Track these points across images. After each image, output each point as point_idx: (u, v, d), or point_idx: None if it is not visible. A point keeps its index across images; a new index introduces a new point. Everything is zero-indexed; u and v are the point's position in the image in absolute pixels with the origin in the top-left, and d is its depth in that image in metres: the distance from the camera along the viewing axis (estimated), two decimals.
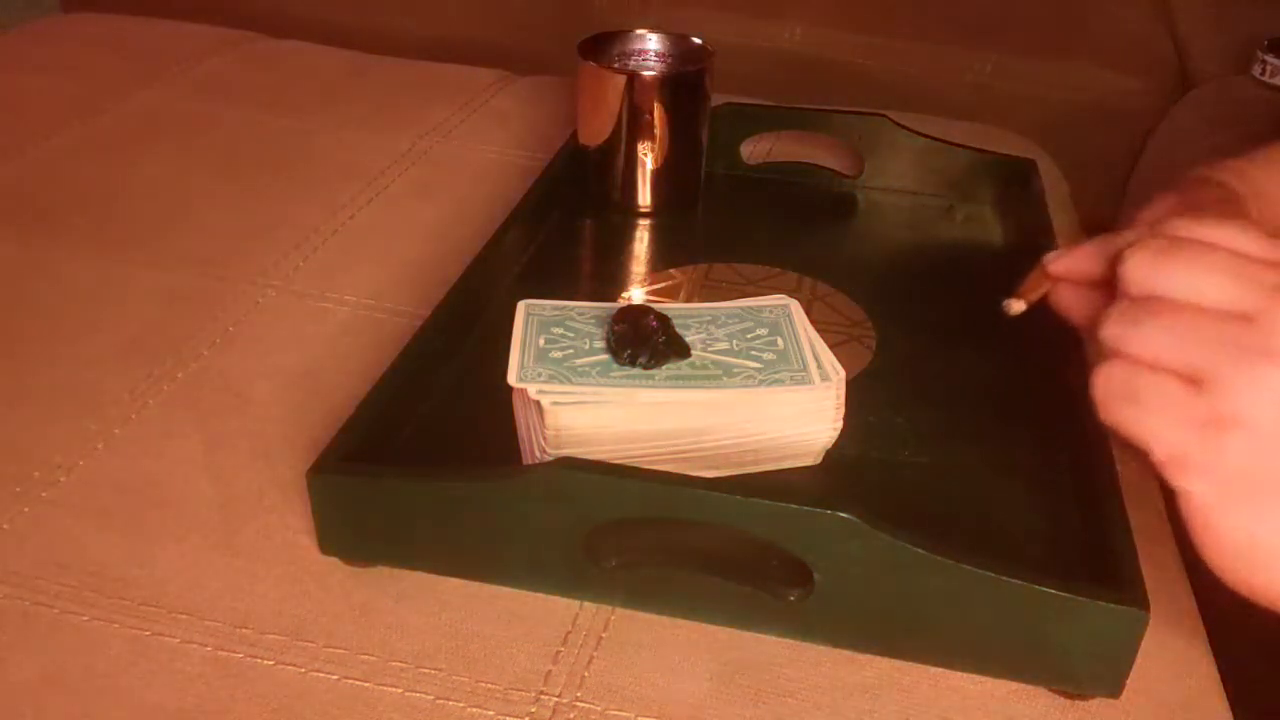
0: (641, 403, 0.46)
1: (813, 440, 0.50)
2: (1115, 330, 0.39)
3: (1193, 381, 0.37)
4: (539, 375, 0.46)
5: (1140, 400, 0.38)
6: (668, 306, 0.52)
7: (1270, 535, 0.37)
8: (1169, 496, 0.54)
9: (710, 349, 0.50)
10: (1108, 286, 0.41)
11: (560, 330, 0.50)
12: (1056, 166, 0.84)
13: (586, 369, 0.47)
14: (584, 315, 0.51)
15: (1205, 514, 0.38)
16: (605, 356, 0.48)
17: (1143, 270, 0.39)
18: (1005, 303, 0.47)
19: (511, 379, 0.47)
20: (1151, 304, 0.38)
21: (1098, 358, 0.39)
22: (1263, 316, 0.36)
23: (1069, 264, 0.45)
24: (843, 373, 0.48)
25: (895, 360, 0.56)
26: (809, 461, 0.50)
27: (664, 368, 0.48)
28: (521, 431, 0.49)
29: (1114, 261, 0.40)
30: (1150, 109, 1.24)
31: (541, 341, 0.49)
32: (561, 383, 0.46)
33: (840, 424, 0.49)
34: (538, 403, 0.46)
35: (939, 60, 1.28)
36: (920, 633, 0.43)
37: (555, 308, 0.52)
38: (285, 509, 0.49)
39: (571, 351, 0.48)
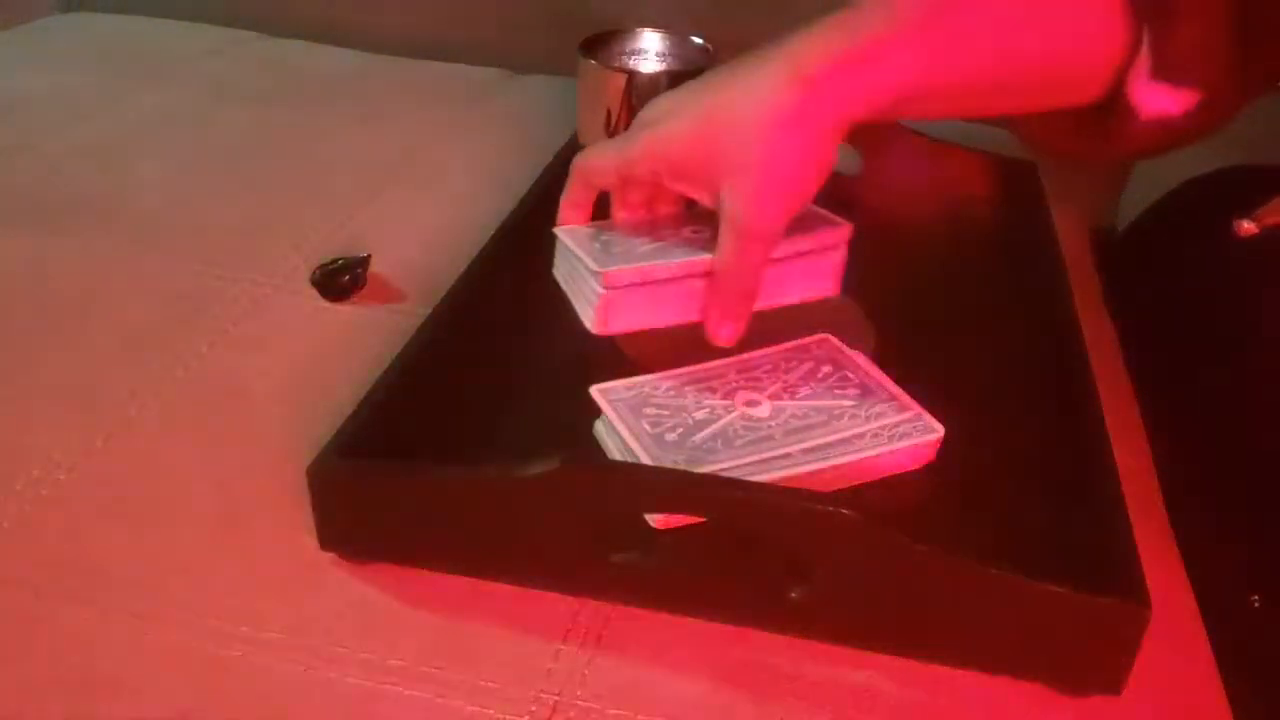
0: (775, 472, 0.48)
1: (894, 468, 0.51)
2: None
3: None
4: (677, 461, 0.47)
5: None
6: (721, 363, 0.54)
7: None
8: (1169, 496, 0.54)
9: (796, 397, 0.52)
10: None
11: (653, 411, 0.50)
12: (1057, 166, 0.84)
13: (712, 444, 0.48)
14: (666, 391, 0.52)
15: None
16: (716, 428, 0.49)
17: None
18: (1237, 222, 0.48)
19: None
20: None
21: None
22: None
23: None
24: (940, 430, 0.51)
25: (895, 360, 0.55)
26: None
27: (770, 419, 0.50)
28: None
29: None
30: None
31: (647, 426, 0.49)
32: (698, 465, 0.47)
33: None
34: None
35: None
36: (921, 630, 0.43)
37: (629, 387, 0.52)
38: (285, 506, 0.49)
39: (681, 430, 0.49)
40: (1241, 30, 0.44)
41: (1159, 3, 0.44)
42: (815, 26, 0.45)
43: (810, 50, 0.45)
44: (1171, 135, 0.47)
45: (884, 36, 0.44)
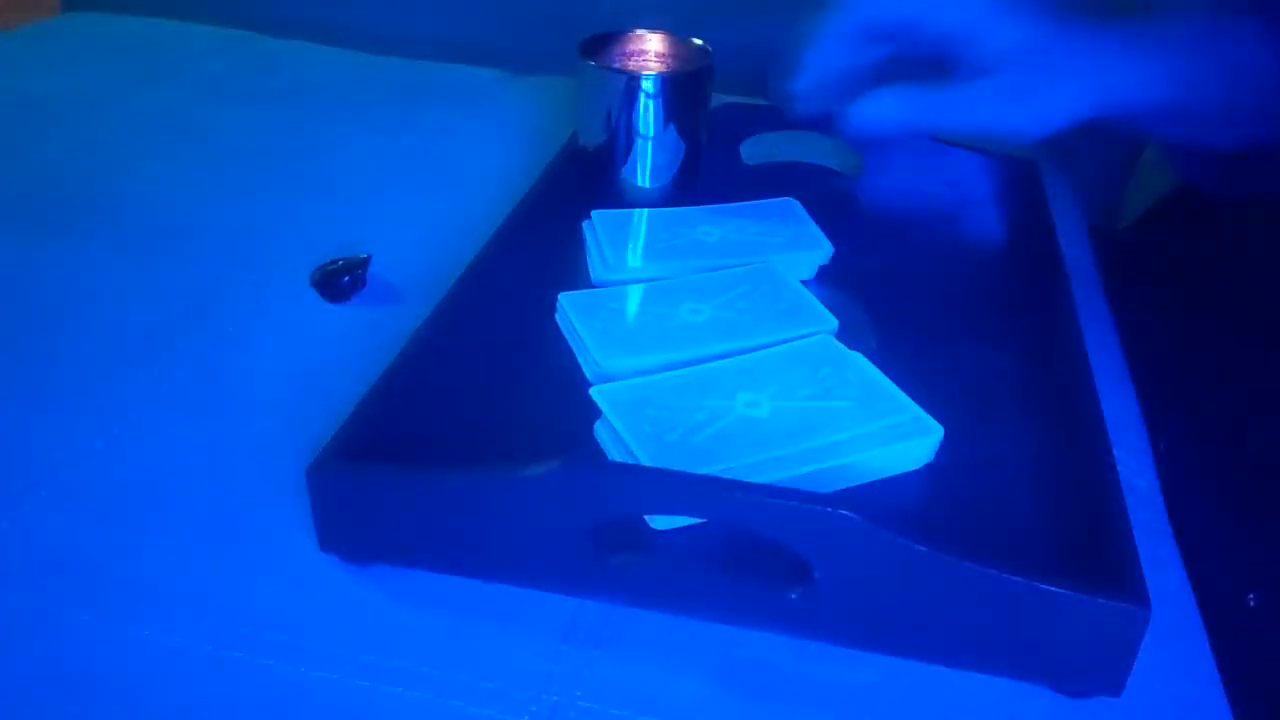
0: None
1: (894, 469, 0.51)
2: None
3: None
4: (677, 462, 0.47)
5: None
6: (721, 364, 0.54)
7: None
8: (1169, 496, 0.54)
9: (795, 397, 0.52)
10: None
11: (653, 412, 0.50)
12: (1057, 166, 0.84)
13: (712, 445, 0.48)
14: (666, 392, 0.52)
15: None
16: (717, 429, 0.49)
17: None
18: None
19: None
20: None
21: None
22: None
23: None
24: (940, 430, 0.51)
25: (895, 361, 0.55)
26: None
27: (770, 419, 0.50)
28: None
29: None
30: None
31: (647, 427, 0.49)
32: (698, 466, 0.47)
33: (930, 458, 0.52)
34: None
35: None
36: (920, 631, 0.43)
37: (630, 389, 0.52)
38: (285, 507, 0.49)
39: (681, 431, 0.49)
40: None
41: None
42: None
43: None
44: None
45: None
